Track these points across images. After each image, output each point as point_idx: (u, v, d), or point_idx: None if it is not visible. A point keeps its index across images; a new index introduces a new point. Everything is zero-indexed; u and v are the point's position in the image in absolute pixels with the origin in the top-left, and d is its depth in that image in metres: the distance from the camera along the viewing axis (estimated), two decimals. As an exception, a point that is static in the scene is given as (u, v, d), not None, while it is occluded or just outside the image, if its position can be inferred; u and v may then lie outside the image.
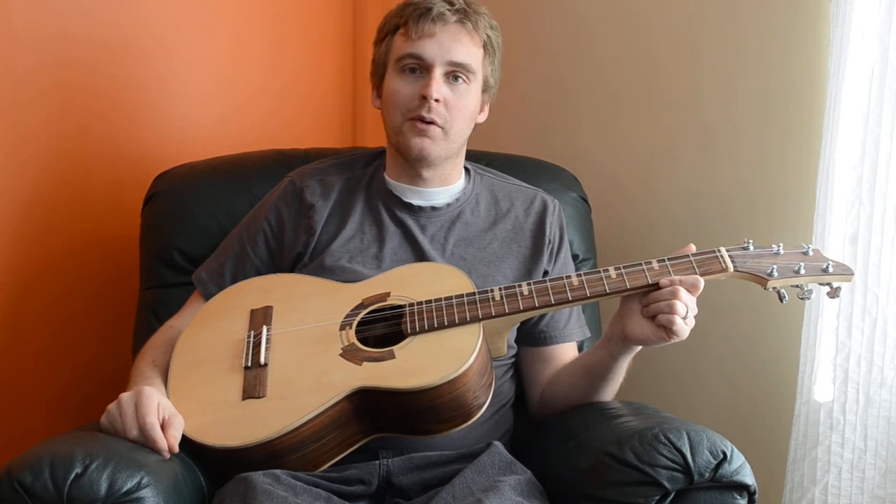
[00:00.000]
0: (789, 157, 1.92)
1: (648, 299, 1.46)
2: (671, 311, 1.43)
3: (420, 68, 1.62)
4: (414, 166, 1.67)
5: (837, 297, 1.47)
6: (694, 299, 1.45)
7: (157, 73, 2.11)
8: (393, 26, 1.66)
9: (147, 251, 1.90)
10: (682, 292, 1.43)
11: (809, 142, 1.86)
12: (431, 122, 1.61)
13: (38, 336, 1.96)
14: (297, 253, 1.68)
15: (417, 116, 1.61)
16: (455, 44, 1.61)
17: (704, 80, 2.05)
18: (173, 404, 1.47)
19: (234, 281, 1.68)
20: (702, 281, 1.45)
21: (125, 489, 1.26)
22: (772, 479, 1.88)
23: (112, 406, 1.42)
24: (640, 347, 1.54)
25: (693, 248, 1.51)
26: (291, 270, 1.68)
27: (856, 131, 1.73)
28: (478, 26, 1.64)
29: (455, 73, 1.62)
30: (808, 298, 1.48)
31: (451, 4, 1.62)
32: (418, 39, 1.60)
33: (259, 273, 1.69)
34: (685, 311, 1.43)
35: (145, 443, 1.37)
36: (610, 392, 1.62)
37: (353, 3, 2.55)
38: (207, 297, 1.67)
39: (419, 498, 1.43)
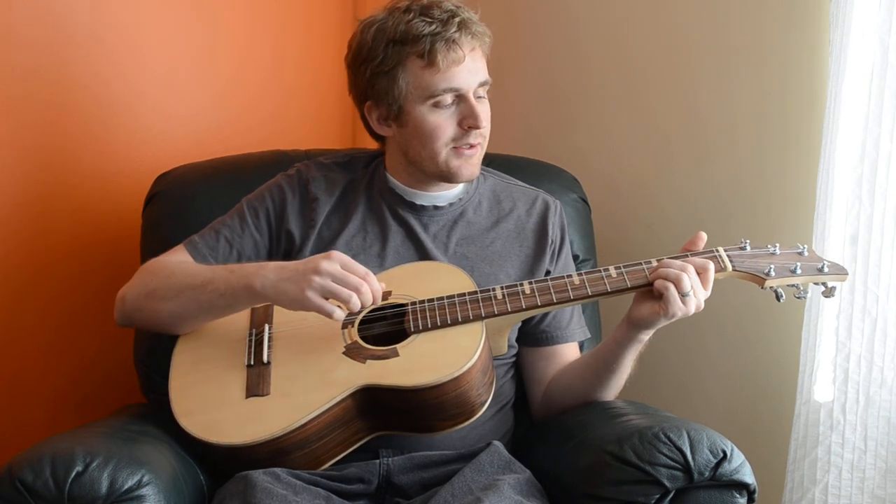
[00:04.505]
0: (789, 157, 1.92)
1: (658, 274, 1.47)
2: (675, 280, 1.44)
3: (455, 98, 1.60)
4: (445, 182, 1.67)
5: (832, 296, 1.50)
6: (700, 282, 1.46)
7: (159, 75, 2.11)
8: (402, 55, 1.58)
9: (148, 251, 1.89)
10: (691, 270, 1.45)
11: (809, 142, 1.86)
12: (476, 145, 1.62)
13: (38, 335, 1.97)
14: (293, 236, 1.66)
15: (465, 144, 1.61)
16: (477, 62, 1.60)
17: (703, 82, 2.05)
18: (175, 402, 1.49)
19: (230, 246, 1.66)
20: (711, 264, 1.47)
21: (126, 487, 1.27)
22: (772, 479, 1.88)
23: (316, 279, 1.42)
24: (646, 337, 1.55)
25: (704, 235, 1.54)
26: (287, 254, 1.66)
27: (856, 131, 1.73)
28: (479, 34, 1.61)
29: (481, 89, 1.62)
30: (804, 297, 1.50)
31: (457, 22, 1.57)
32: (447, 70, 1.56)
33: (256, 247, 1.67)
34: (689, 288, 1.44)
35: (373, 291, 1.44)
36: (614, 388, 1.63)
37: (353, 7, 2.55)
38: (195, 255, 1.64)
39: (418, 497, 1.44)
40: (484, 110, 1.61)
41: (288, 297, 1.44)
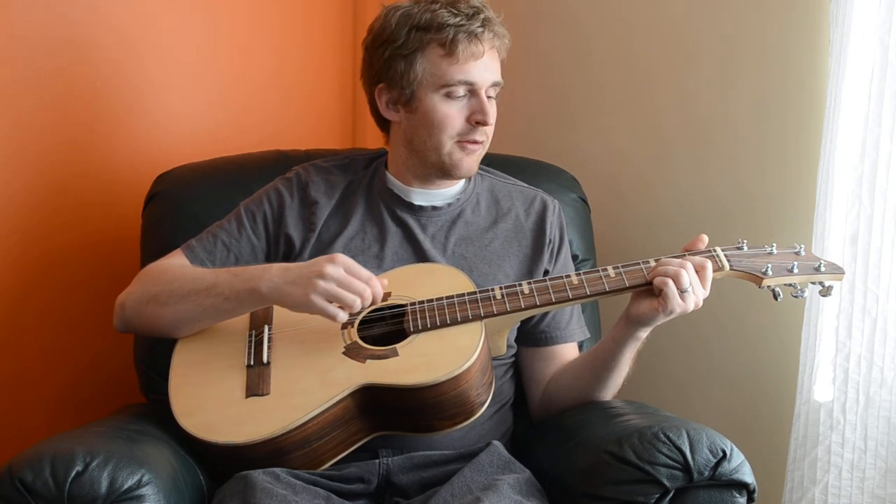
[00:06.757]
0: (789, 157, 1.92)
1: (656, 272, 1.48)
2: (674, 276, 1.45)
3: (468, 91, 1.62)
4: (443, 177, 1.68)
5: (829, 295, 1.51)
6: (699, 281, 1.47)
7: (158, 75, 2.11)
8: (423, 41, 1.60)
9: (148, 251, 1.89)
10: (690, 267, 1.47)
11: (809, 142, 1.86)
12: (480, 143, 1.64)
13: (38, 336, 1.97)
14: (293, 240, 1.66)
15: (470, 140, 1.62)
16: (494, 63, 1.64)
17: (703, 82, 2.05)
18: (175, 402, 1.49)
19: (227, 251, 1.66)
20: (709, 262, 1.49)
21: (126, 487, 1.27)
22: (772, 479, 1.88)
23: (321, 283, 1.43)
24: (644, 335, 1.55)
25: (705, 238, 1.55)
26: (286, 257, 1.67)
27: (856, 131, 1.73)
28: (500, 34, 1.65)
29: (493, 89, 1.64)
30: (801, 297, 1.51)
31: (482, 18, 1.61)
32: (465, 62, 1.59)
33: (254, 251, 1.67)
34: (688, 284, 1.45)
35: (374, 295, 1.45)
36: (612, 387, 1.63)
37: (353, 7, 2.55)
38: (192, 260, 1.65)
39: (418, 497, 1.44)
40: (493, 110, 1.63)
41: (293, 300, 1.46)
